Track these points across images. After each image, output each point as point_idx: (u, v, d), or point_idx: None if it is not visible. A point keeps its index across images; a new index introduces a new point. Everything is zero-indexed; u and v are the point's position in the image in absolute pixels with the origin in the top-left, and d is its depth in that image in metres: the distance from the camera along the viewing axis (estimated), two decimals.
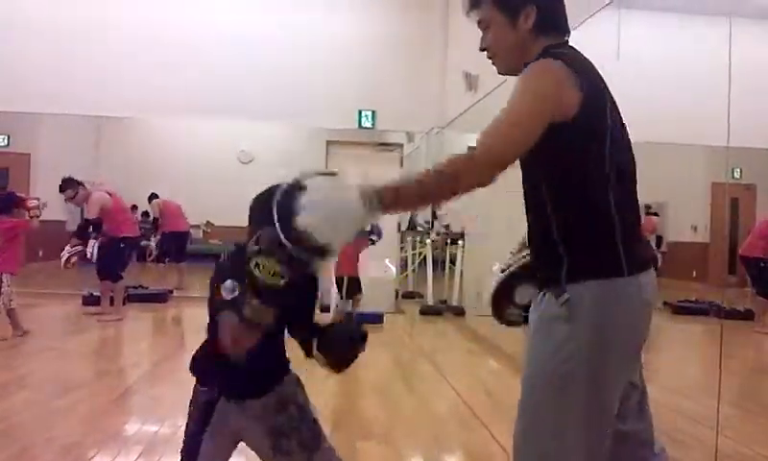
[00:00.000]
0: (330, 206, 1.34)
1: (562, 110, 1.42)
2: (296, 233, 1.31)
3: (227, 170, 11.55)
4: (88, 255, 6.80)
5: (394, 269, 8.20)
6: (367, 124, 8.99)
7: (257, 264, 1.36)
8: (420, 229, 9.74)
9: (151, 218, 9.34)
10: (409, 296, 9.36)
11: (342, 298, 6.62)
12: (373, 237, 6.21)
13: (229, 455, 1.82)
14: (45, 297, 6.55)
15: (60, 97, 8.45)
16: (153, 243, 9.15)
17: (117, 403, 4.01)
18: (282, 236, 1.32)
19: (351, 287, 6.51)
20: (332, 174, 1.49)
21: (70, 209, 8.13)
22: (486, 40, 1.64)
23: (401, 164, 9.16)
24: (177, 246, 9.25)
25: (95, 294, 7.51)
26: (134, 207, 9.41)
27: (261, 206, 1.47)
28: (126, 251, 7.13)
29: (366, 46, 8.93)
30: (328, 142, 9.40)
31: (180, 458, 1.77)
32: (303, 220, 1.31)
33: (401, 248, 9.48)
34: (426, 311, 8.21)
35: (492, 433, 3.59)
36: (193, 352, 1.77)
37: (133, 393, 4.32)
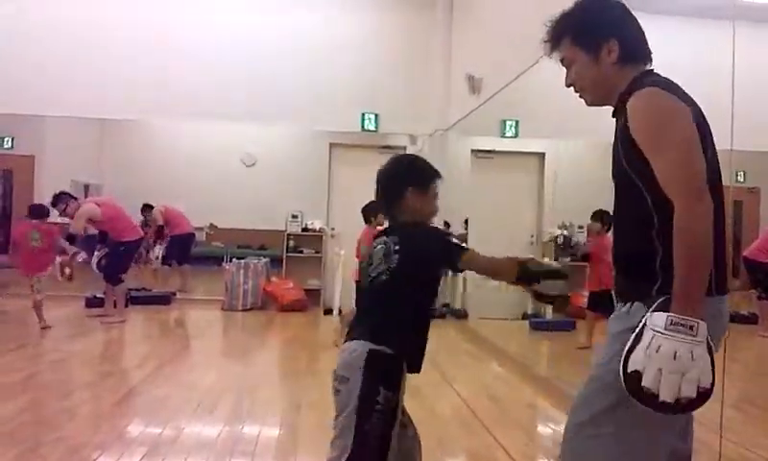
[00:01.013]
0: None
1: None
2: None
3: (230, 173, 11.53)
4: (92, 265, 6.84)
5: None
6: (370, 127, 9.00)
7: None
8: None
9: (156, 226, 9.32)
10: None
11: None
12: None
13: None
14: (48, 299, 6.58)
15: (64, 99, 8.48)
16: (160, 251, 9.15)
17: (121, 405, 4.02)
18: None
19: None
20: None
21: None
22: (570, 77, 1.67)
23: None
24: (182, 249, 9.25)
25: (98, 296, 7.54)
26: (149, 207, 9.39)
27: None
28: (126, 254, 7.13)
29: (369, 49, 8.94)
30: (331, 145, 9.42)
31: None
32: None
33: None
34: None
35: (495, 437, 3.59)
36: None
37: (137, 395, 4.32)
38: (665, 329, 1.36)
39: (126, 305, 7.23)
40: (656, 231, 1.50)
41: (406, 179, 2.00)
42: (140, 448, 3.16)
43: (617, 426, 1.49)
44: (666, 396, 1.35)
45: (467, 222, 8.75)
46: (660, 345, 1.36)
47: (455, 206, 9.26)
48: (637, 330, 1.41)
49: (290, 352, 6.44)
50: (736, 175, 7.69)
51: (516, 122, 7.71)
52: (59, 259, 6.43)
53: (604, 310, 5.67)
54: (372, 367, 1.81)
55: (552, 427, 4.09)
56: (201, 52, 8.61)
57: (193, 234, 9.39)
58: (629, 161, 1.52)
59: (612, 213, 1.69)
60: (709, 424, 3.40)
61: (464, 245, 1.86)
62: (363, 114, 8.96)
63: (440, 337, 7.44)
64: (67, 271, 6.38)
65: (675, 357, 1.34)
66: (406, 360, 1.89)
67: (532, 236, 7.54)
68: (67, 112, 8.72)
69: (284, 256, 9.08)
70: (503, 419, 4.02)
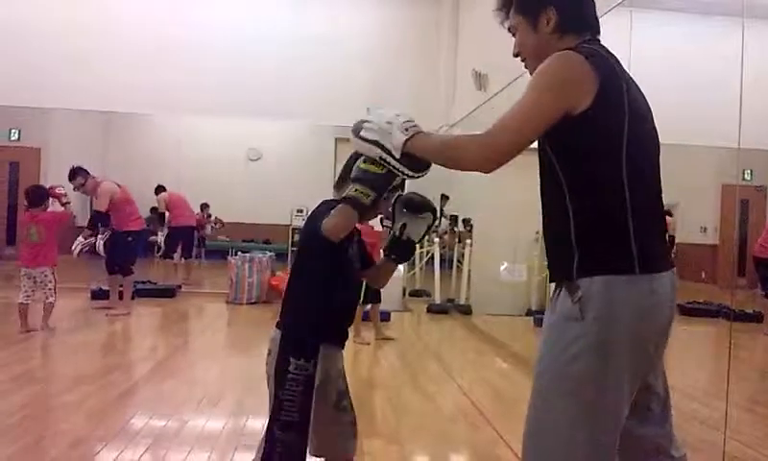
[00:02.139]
0: (381, 119, 1.71)
1: (574, 102, 1.43)
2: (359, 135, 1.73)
3: (235, 167, 11.56)
4: (97, 249, 6.83)
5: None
6: None
7: (361, 164, 1.79)
8: None
9: (158, 213, 9.33)
10: (416, 294, 9.36)
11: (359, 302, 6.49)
12: (387, 223, 6.09)
13: None
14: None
15: (71, 93, 8.50)
16: (160, 238, 9.15)
17: (125, 398, 4.03)
18: (352, 135, 1.76)
19: (368, 294, 6.21)
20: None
21: (80, 199, 8.15)
22: (516, 45, 1.69)
23: None
24: (184, 241, 9.25)
25: (104, 288, 7.55)
26: (163, 189, 9.39)
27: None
28: (134, 244, 7.16)
29: (375, 44, 8.93)
30: (337, 140, 9.41)
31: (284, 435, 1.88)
32: (364, 126, 1.74)
33: None
34: (433, 310, 8.21)
35: (498, 432, 3.58)
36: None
37: (141, 387, 4.34)
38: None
39: (131, 298, 7.25)
40: (570, 208, 1.49)
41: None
42: (144, 441, 3.17)
43: (560, 425, 1.48)
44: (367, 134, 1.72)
45: (471, 218, 8.75)
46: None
47: (461, 202, 9.25)
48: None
49: None
50: (743, 173, 7.67)
51: None
52: (81, 239, 6.51)
53: None
54: (285, 338, 1.93)
55: None
56: (207, 47, 8.61)
57: (193, 227, 9.35)
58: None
59: None
60: (714, 422, 3.39)
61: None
62: (368, 109, 8.92)
63: (444, 332, 7.44)
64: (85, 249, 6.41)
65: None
66: (320, 332, 1.94)
67: (537, 233, 7.51)
68: (73, 105, 8.75)
69: (289, 250, 9.07)
70: (506, 414, 4.01)
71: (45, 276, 5.65)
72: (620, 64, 1.54)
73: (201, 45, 8.61)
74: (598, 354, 1.44)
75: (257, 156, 11.52)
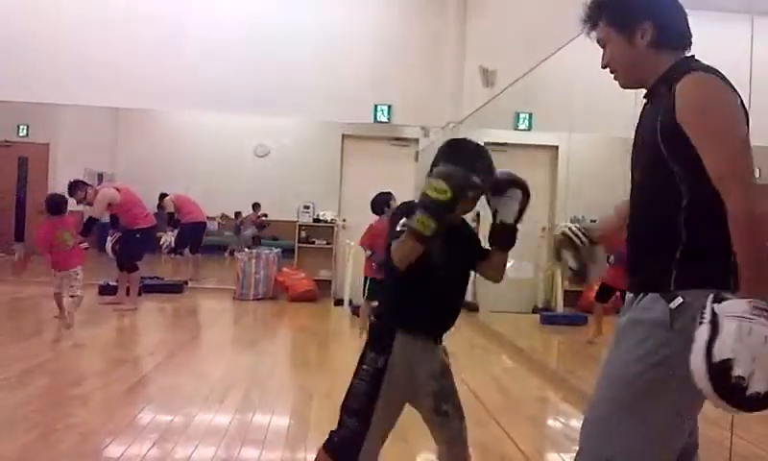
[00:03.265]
0: None
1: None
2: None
3: (243, 163, 11.60)
4: (107, 250, 6.89)
5: None
6: (382, 118, 8.98)
7: (428, 184, 1.71)
8: None
9: (166, 214, 9.37)
10: None
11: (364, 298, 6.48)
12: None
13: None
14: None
15: (79, 88, 8.52)
16: (171, 237, 9.19)
17: (132, 393, 4.05)
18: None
19: (374, 290, 6.23)
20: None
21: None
22: (605, 58, 1.67)
23: (416, 159, 9.15)
24: (194, 237, 9.29)
25: (111, 284, 7.60)
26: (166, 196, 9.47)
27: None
28: (143, 240, 7.20)
29: (382, 41, 8.92)
30: (344, 136, 9.41)
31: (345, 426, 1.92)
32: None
33: None
34: None
35: (505, 430, 3.59)
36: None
37: (148, 383, 4.36)
38: (752, 314, 1.27)
39: (138, 294, 7.29)
40: (684, 219, 1.48)
41: None
42: (151, 436, 3.19)
43: (637, 423, 1.47)
44: (759, 386, 1.25)
45: (478, 215, 8.72)
46: (750, 329, 1.26)
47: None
48: (706, 321, 1.32)
49: (301, 342, 6.47)
50: None
51: (530, 115, 7.66)
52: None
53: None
54: (370, 333, 2.00)
55: (562, 421, 4.09)
56: (215, 43, 8.62)
57: (204, 223, 9.42)
58: (668, 145, 1.48)
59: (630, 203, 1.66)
60: (720, 420, 3.38)
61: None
62: (376, 106, 8.94)
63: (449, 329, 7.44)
64: None
65: (765, 341, 1.26)
66: (400, 325, 1.93)
67: (543, 229, 7.50)
68: (82, 101, 8.78)
69: (296, 247, 9.10)
70: (513, 411, 4.02)
71: (76, 273, 5.72)
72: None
73: (209, 41, 8.61)
74: (679, 366, 1.39)
75: (265, 152, 11.56)
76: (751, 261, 1.36)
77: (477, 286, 8.35)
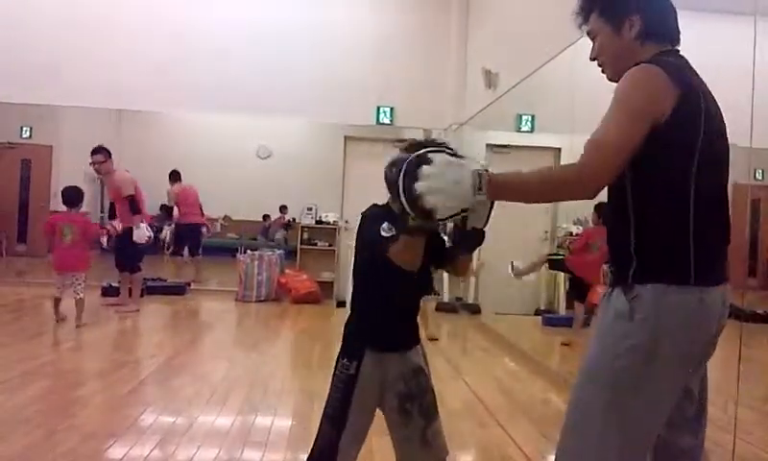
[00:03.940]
0: (444, 179, 1.48)
1: (656, 115, 1.44)
2: (411, 195, 1.51)
3: (245, 165, 11.57)
4: (103, 243, 6.82)
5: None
6: (385, 120, 8.99)
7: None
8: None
9: (166, 207, 9.30)
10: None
11: None
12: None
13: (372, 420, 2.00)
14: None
15: (82, 90, 8.54)
16: (167, 233, 9.14)
17: (134, 394, 4.05)
18: (402, 196, 1.54)
19: None
20: (456, 154, 1.65)
21: (92, 192, 8.18)
22: (594, 50, 1.69)
23: None
24: (191, 239, 9.23)
25: (114, 285, 7.60)
26: (177, 174, 9.41)
27: (395, 169, 1.64)
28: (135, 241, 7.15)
29: (385, 42, 8.92)
30: (347, 138, 9.42)
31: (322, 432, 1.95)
32: (420, 186, 1.48)
33: None
34: (442, 308, 8.20)
35: (507, 431, 3.58)
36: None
37: (150, 384, 4.36)
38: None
39: (141, 295, 7.28)
40: (633, 214, 1.51)
41: None
42: (153, 437, 3.19)
43: (609, 411, 1.49)
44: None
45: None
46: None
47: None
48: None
49: (303, 344, 6.46)
50: (755, 173, 7.60)
51: (532, 117, 7.66)
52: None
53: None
54: (342, 340, 2.02)
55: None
56: (218, 45, 8.63)
57: (199, 225, 9.28)
58: None
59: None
60: (724, 424, 3.37)
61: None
62: (378, 108, 8.95)
63: (452, 332, 7.43)
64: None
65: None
66: (366, 334, 1.95)
67: (546, 232, 7.50)
68: (85, 103, 8.79)
69: (298, 249, 9.10)
70: (515, 413, 4.01)
71: (77, 279, 5.72)
72: (698, 76, 1.55)
73: (212, 43, 8.63)
74: (641, 356, 1.47)
75: (267, 153, 11.54)
76: (522, 192, 1.57)
77: (480, 289, 8.35)
